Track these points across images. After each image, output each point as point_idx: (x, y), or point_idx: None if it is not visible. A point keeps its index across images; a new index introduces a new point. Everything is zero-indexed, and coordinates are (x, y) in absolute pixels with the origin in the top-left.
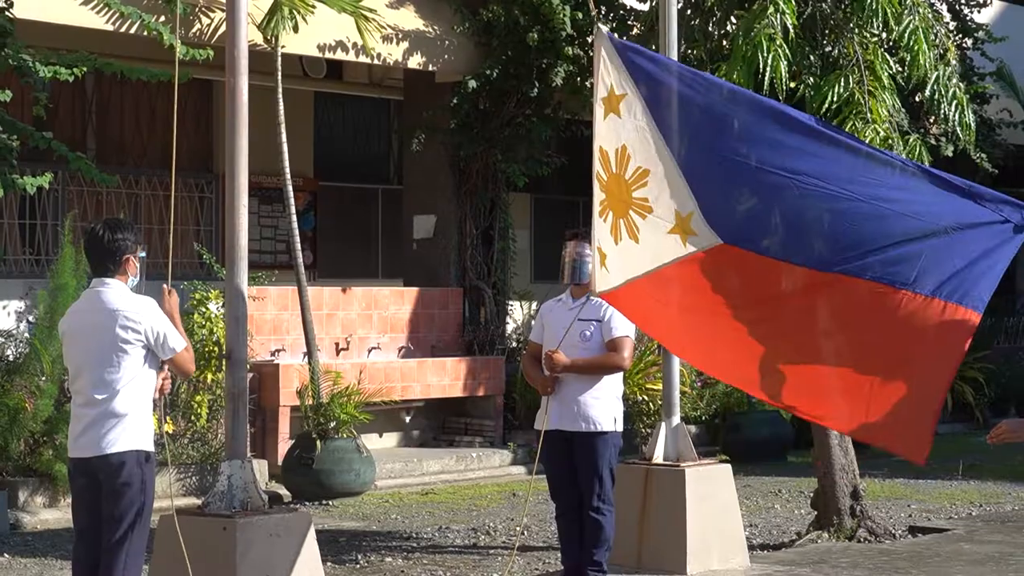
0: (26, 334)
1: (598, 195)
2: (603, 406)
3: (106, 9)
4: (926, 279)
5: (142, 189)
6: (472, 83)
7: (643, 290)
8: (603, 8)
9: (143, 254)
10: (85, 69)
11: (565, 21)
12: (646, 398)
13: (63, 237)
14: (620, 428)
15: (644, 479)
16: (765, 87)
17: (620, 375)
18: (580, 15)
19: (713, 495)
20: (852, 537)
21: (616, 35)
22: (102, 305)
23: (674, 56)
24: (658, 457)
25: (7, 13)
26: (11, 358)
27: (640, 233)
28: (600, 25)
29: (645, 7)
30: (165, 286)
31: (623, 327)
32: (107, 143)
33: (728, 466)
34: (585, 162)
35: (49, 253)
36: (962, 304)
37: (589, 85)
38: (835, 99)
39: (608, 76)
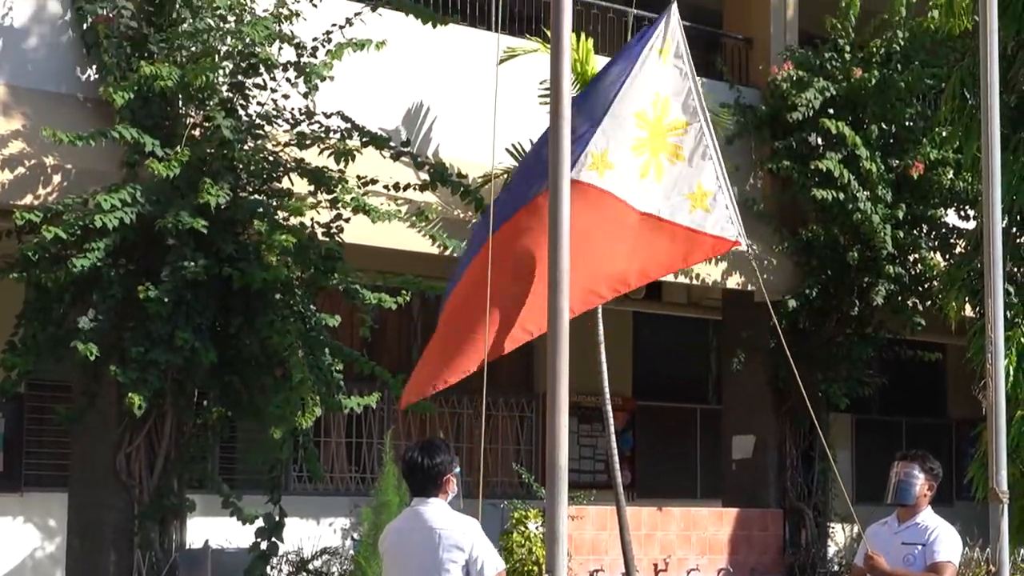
0: (351, 551)
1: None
2: None
3: (431, 237)
4: None
5: (464, 408)
6: (792, 302)
7: (618, 213)
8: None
9: (458, 469)
10: (408, 297)
11: (886, 240)
12: None
13: (385, 455)
14: None
15: None
16: None
17: None
18: (901, 234)
19: None
20: None
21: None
22: (423, 524)
23: None
24: None
25: (336, 238)
26: (336, 575)
27: (664, 176)
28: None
29: None
30: None
31: (947, 552)
32: None
33: None
34: (908, 382)
35: (373, 470)
36: None
37: (911, 304)
38: None
39: (665, 32)
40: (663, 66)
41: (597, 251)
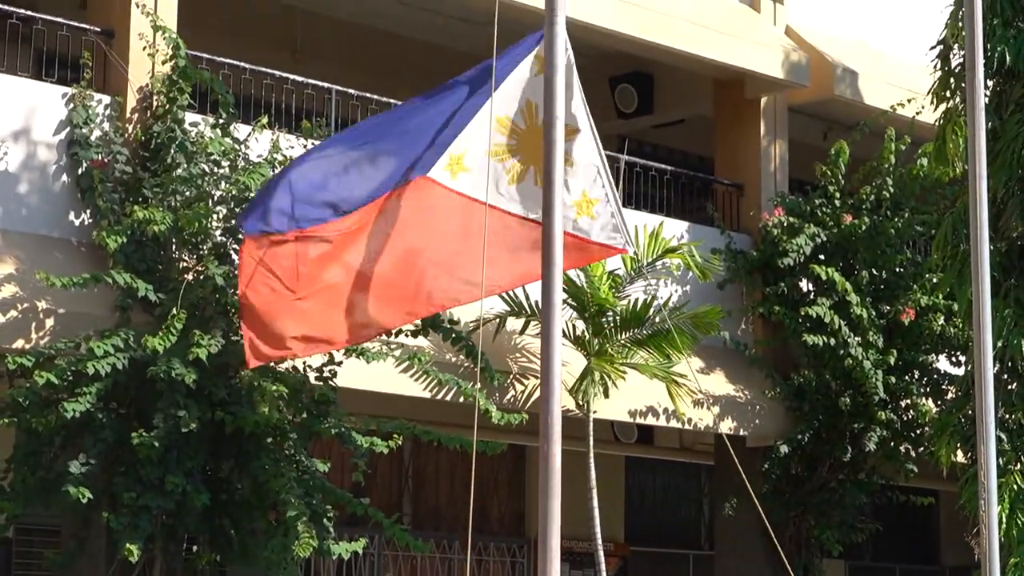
0: None
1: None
2: None
3: (424, 376)
4: None
5: (455, 553)
6: (784, 448)
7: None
8: None
9: None
10: (400, 441)
11: (878, 386)
12: None
13: None
14: None
15: None
16: None
17: None
18: (893, 380)
19: None
20: None
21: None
22: None
23: None
24: None
25: (330, 383)
26: None
27: None
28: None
29: None
30: None
31: None
32: (422, 507)
33: None
34: (901, 528)
35: None
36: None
37: (903, 450)
38: None
39: (540, 46)
40: (539, 77)
41: (447, 251)
